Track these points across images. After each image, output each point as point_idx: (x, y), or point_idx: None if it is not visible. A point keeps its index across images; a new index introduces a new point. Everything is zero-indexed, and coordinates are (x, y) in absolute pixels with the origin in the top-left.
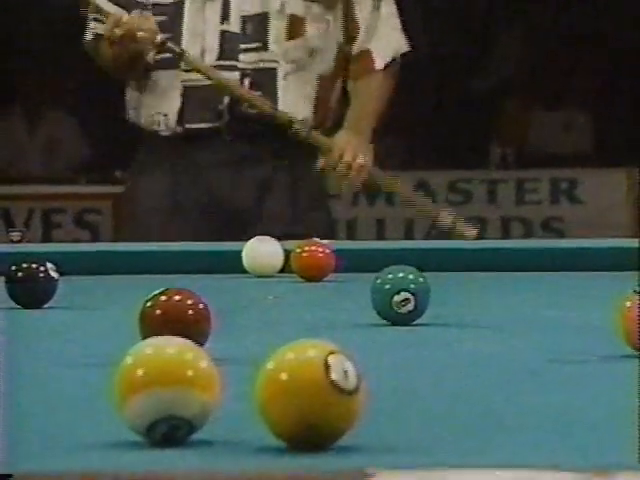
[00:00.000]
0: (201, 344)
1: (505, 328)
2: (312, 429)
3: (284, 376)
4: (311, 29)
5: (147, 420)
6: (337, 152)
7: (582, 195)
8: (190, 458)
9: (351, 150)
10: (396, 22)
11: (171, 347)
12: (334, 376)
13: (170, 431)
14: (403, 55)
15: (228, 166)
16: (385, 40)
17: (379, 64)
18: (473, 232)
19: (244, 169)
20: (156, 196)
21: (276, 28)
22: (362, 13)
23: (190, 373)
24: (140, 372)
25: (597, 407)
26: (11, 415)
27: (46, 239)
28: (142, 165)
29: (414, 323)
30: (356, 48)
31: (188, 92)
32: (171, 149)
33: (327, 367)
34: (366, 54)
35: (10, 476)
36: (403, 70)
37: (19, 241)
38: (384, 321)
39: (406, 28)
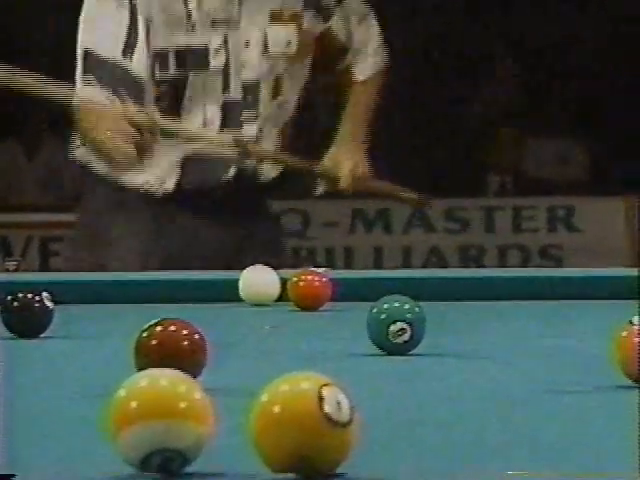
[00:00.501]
0: (196, 374)
1: (501, 358)
2: (305, 461)
3: (277, 408)
4: (288, 86)
5: (141, 452)
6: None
7: (579, 223)
8: None
9: (352, 162)
10: (378, 40)
11: (164, 379)
12: (327, 408)
13: (164, 463)
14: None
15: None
16: (369, 59)
17: (361, 77)
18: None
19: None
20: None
21: (265, 91)
22: (345, 31)
23: (183, 405)
24: (134, 404)
25: (593, 438)
26: (5, 446)
27: (44, 267)
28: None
29: (410, 353)
30: (341, 66)
31: (189, 162)
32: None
33: (320, 399)
34: (349, 71)
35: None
36: (402, 98)
37: (15, 270)
38: (380, 351)
39: (405, 58)
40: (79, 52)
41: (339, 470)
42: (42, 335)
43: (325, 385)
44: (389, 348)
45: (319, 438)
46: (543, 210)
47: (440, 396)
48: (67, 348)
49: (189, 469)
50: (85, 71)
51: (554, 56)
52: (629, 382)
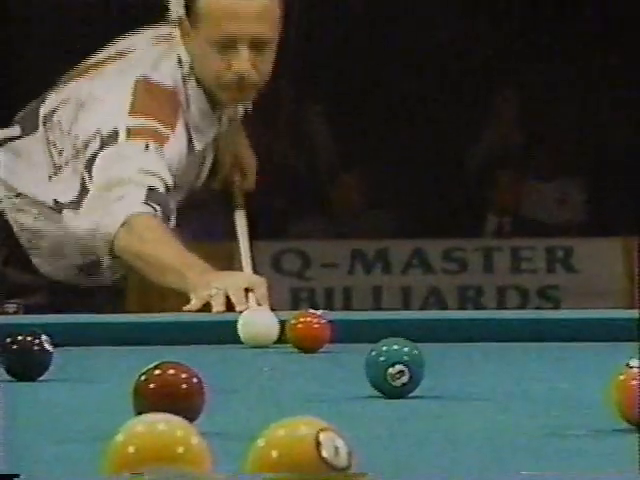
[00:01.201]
0: (194, 418)
1: (500, 400)
2: None
3: (275, 453)
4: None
5: None
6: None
7: (578, 264)
8: None
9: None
10: None
11: (162, 424)
12: (325, 453)
13: None
14: None
15: None
16: None
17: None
18: None
19: None
20: None
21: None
22: None
23: (181, 450)
24: (131, 449)
25: None
26: None
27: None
28: None
29: (409, 396)
30: None
31: None
32: None
33: (318, 444)
34: None
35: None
36: (402, 142)
37: (15, 312)
38: (379, 393)
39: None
40: (143, 180)
41: None
42: (41, 378)
43: (323, 430)
44: (388, 391)
45: None
46: (541, 251)
47: (438, 439)
48: (66, 391)
49: None
50: (147, 202)
51: (553, 101)
52: (627, 425)
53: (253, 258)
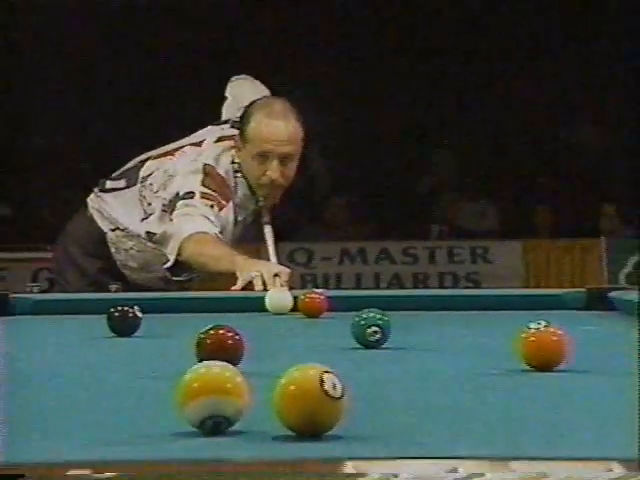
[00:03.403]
0: (237, 363)
1: (439, 350)
2: (311, 424)
3: (292, 387)
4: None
5: (199, 417)
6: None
7: (492, 258)
8: (227, 444)
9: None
10: None
11: (216, 367)
12: (326, 387)
13: (215, 425)
14: None
15: None
16: None
17: None
18: None
19: None
20: None
21: None
22: None
23: (229, 385)
24: (195, 385)
25: (504, 406)
26: (101, 411)
27: None
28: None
29: (381, 347)
30: None
31: None
32: None
33: (322, 382)
34: None
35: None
36: (375, 176)
37: (117, 291)
38: (360, 345)
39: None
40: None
41: (333, 431)
42: (134, 335)
43: (325, 372)
44: (366, 344)
45: (320, 407)
46: (468, 249)
47: (401, 376)
48: (150, 344)
49: (232, 429)
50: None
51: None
52: (528, 367)
53: (278, 255)
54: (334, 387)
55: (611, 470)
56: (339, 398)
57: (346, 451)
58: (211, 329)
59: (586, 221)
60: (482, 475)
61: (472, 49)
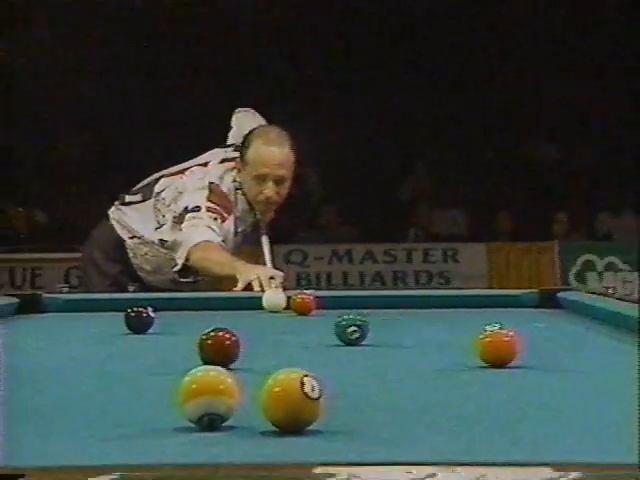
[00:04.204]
0: (234, 360)
1: (412, 347)
2: (292, 421)
3: (277, 389)
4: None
5: (197, 414)
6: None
7: (460, 259)
8: (221, 438)
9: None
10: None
11: (211, 371)
12: (306, 389)
13: (210, 422)
14: None
15: None
16: None
17: None
18: None
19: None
20: None
21: None
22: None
23: (222, 387)
24: (194, 386)
25: (463, 396)
26: (105, 406)
27: None
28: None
29: (359, 344)
30: None
31: None
32: None
33: (302, 384)
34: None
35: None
36: (362, 188)
37: (134, 291)
38: (341, 343)
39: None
40: (211, 230)
41: (312, 427)
42: (147, 332)
43: (305, 376)
44: (347, 341)
45: (300, 406)
46: (440, 250)
47: (377, 371)
48: (161, 340)
49: (225, 425)
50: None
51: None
52: (483, 363)
53: (273, 260)
54: (313, 389)
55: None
56: (317, 399)
57: (315, 453)
58: (212, 331)
59: (541, 227)
60: (434, 475)
61: (444, 74)
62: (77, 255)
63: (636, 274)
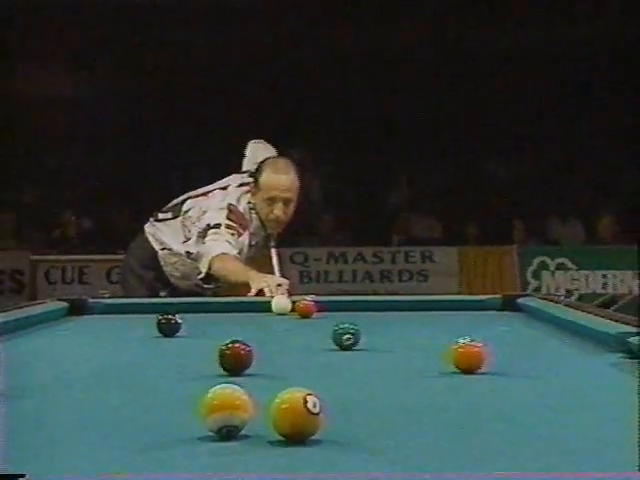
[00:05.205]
0: (249, 366)
1: (397, 351)
2: (297, 433)
3: (284, 405)
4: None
5: (217, 426)
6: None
7: (436, 259)
8: (234, 446)
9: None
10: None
11: (228, 389)
12: (309, 406)
13: (228, 432)
14: None
15: None
16: None
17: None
18: None
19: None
20: None
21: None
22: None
23: (238, 402)
24: (215, 402)
25: (444, 398)
26: (125, 413)
27: None
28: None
29: (353, 349)
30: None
31: None
32: None
33: (305, 402)
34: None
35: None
36: (355, 199)
37: (165, 295)
38: (337, 347)
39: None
40: (229, 244)
41: (314, 437)
42: (176, 335)
43: (308, 394)
44: (342, 346)
45: (303, 420)
46: (419, 253)
47: (367, 373)
48: (188, 344)
49: (241, 434)
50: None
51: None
52: (456, 370)
53: (282, 269)
54: (314, 405)
55: None
56: (317, 414)
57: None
58: (230, 343)
59: (503, 233)
60: None
61: (420, 107)
62: (117, 257)
63: (582, 272)
